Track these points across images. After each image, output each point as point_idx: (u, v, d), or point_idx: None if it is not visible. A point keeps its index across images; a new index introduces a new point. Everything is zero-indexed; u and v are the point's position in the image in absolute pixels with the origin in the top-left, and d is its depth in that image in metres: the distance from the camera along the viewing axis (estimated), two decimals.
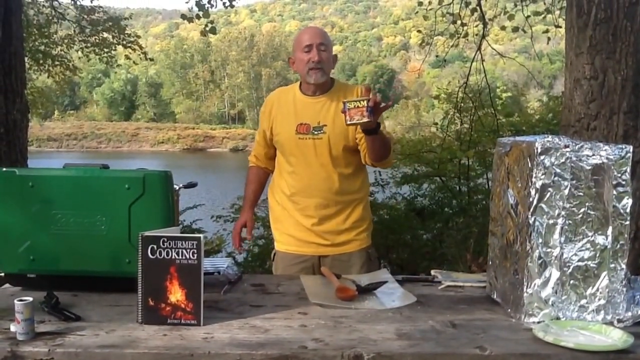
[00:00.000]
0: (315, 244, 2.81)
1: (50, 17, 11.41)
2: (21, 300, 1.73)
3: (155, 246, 1.85)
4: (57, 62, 12.60)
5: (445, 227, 7.23)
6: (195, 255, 1.84)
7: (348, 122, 2.39)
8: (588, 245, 1.91)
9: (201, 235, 1.85)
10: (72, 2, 11.69)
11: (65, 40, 12.35)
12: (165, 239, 1.84)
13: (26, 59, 11.80)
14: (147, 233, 1.87)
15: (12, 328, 1.76)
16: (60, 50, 12.50)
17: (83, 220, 2.12)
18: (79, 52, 12.65)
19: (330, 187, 2.76)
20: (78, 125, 73.22)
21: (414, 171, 7.96)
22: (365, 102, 2.36)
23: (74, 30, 12.15)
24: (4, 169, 2.16)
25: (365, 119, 2.37)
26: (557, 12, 7.85)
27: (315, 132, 2.72)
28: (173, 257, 1.85)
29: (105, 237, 2.12)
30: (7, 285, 2.26)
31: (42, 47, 11.96)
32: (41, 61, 12.26)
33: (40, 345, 1.70)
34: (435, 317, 1.99)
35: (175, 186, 2.30)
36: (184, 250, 1.84)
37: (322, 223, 2.78)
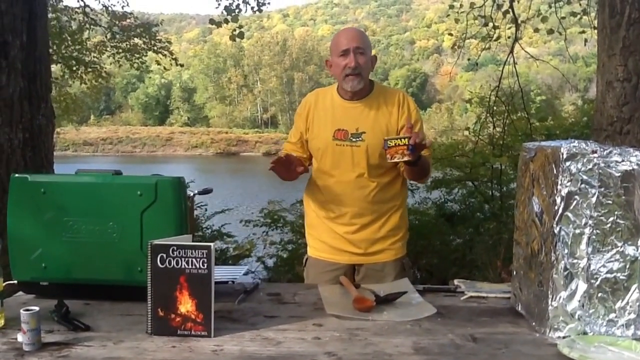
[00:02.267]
0: (348, 252, 2.71)
1: (83, 24, 11.52)
2: (27, 310, 1.70)
3: (164, 255, 1.80)
4: (89, 69, 12.73)
5: (476, 233, 7.11)
6: (206, 264, 1.79)
7: (389, 160, 2.36)
8: (617, 256, 1.81)
9: (211, 244, 1.79)
10: (104, 8, 11.81)
11: (98, 47, 12.46)
12: (175, 248, 1.80)
13: (59, 65, 12.06)
14: (156, 241, 1.82)
15: (19, 338, 1.73)
16: (93, 56, 12.62)
17: (95, 228, 2.09)
18: (111, 58, 12.74)
19: (366, 196, 2.65)
20: (113, 129, 74.39)
21: (445, 175, 7.85)
22: (406, 140, 2.30)
23: (106, 36, 12.27)
24: (17, 175, 2.14)
25: (406, 158, 2.32)
26: (593, 14, 7.67)
27: (353, 139, 2.62)
28: (183, 266, 1.80)
29: (117, 244, 2.09)
30: (20, 292, 2.25)
31: (75, 54, 12.08)
32: (74, 68, 12.39)
33: (46, 356, 1.67)
34: (455, 330, 1.91)
35: (190, 192, 2.25)
36: (194, 260, 1.79)
37: (356, 231, 2.69)
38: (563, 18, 7.88)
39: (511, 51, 7.46)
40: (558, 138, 7.69)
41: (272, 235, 6.72)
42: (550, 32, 8.15)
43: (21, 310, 1.71)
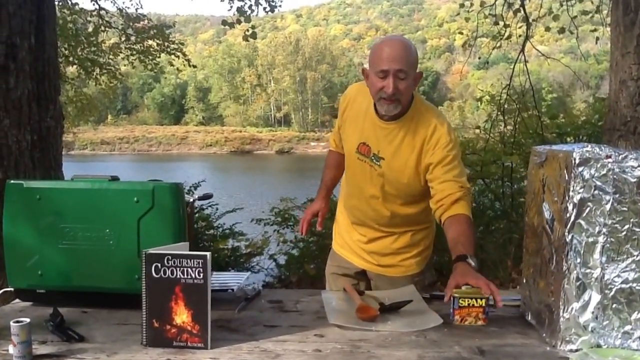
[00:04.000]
0: (363, 258, 2.64)
1: (98, 26, 11.58)
2: (17, 322, 1.64)
3: (159, 264, 1.74)
4: (104, 70, 12.79)
5: (486, 231, 7.03)
6: (201, 274, 1.72)
7: (456, 322, 1.98)
8: (633, 266, 1.72)
9: (207, 254, 1.72)
10: (118, 11, 11.85)
11: (112, 49, 12.51)
12: (170, 257, 1.73)
13: (75, 67, 12.13)
14: (151, 250, 1.76)
15: (11, 350, 1.67)
16: (108, 58, 12.68)
17: (91, 235, 2.03)
18: (125, 60, 12.80)
19: (378, 220, 2.52)
20: (130, 129, 75.64)
21: None
22: (483, 301, 1.94)
23: (120, 39, 12.30)
24: (12, 181, 2.09)
25: (480, 322, 1.96)
26: (605, 12, 7.60)
27: (374, 160, 2.41)
28: (178, 276, 1.73)
29: (114, 252, 2.03)
30: (17, 300, 2.20)
31: (91, 56, 12.15)
32: (90, 69, 12.46)
33: None
34: (462, 341, 1.83)
35: (189, 198, 2.19)
36: (190, 269, 1.72)
37: (367, 242, 2.60)
38: (575, 17, 7.79)
39: (522, 49, 7.38)
40: (570, 136, 7.64)
41: (284, 233, 6.71)
42: (562, 31, 8.07)
43: (11, 322, 1.65)
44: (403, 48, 2.27)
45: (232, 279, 2.42)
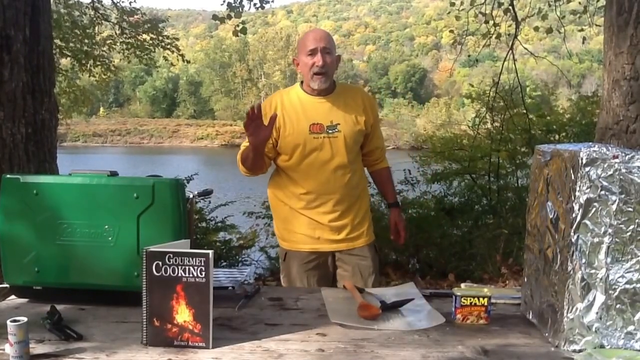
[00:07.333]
0: (329, 240, 2.81)
1: (94, 19, 11.53)
2: (14, 321, 1.60)
3: (160, 262, 1.71)
4: (98, 63, 12.72)
5: (475, 226, 7.07)
6: (204, 273, 1.70)
7: (458, 322, 1.98)
8: (637, 266, 1.71)
9: (210, 252, 1.70)
10: (113, 4, 11.79)
11: (108, 42, 12.47)
12: (171, 255, 1.70)
13: (69, 59, 12.04)
14: (151, 248, 1.73)
15: (7, 349, 1.64)
16: (102, 51, 12.62)
17: (90, 231, 2.01)
18: (120, 54, 12.75)
19: (346, 182, 2.78)
20: (122, 121, 75.55)
21: (445, 169, 7.84)
22: (485, 300, 1.96)
23: (115, 32, 12.25)
24: (8, 176, 2.05)
25: (482, 321, 1.97)
26: (588, 12, 7.70)
27: (330, 131, 2.73)
28: (179, 274, 1.71)
29: (113, 248, 2.00)
30: (12, 296, 2.16)
31: (85, 48, 12.09)
32: (84, 61, 12.40)
33: None
34: (465, 341, 1.82)
35: (189, 194, 2.16)
36: (192, 268, 1.70)
37: (339, 218, 2.79)
38: (562, 17, 7.86)
39: (511, 48, 7.43)
40: (555, 133, 7.74)
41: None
42: (549, 31, 8.15)
43: (8, 322, 1.61)
44: (324, 32, 2.83)
45: (227, 275, 2.40)
